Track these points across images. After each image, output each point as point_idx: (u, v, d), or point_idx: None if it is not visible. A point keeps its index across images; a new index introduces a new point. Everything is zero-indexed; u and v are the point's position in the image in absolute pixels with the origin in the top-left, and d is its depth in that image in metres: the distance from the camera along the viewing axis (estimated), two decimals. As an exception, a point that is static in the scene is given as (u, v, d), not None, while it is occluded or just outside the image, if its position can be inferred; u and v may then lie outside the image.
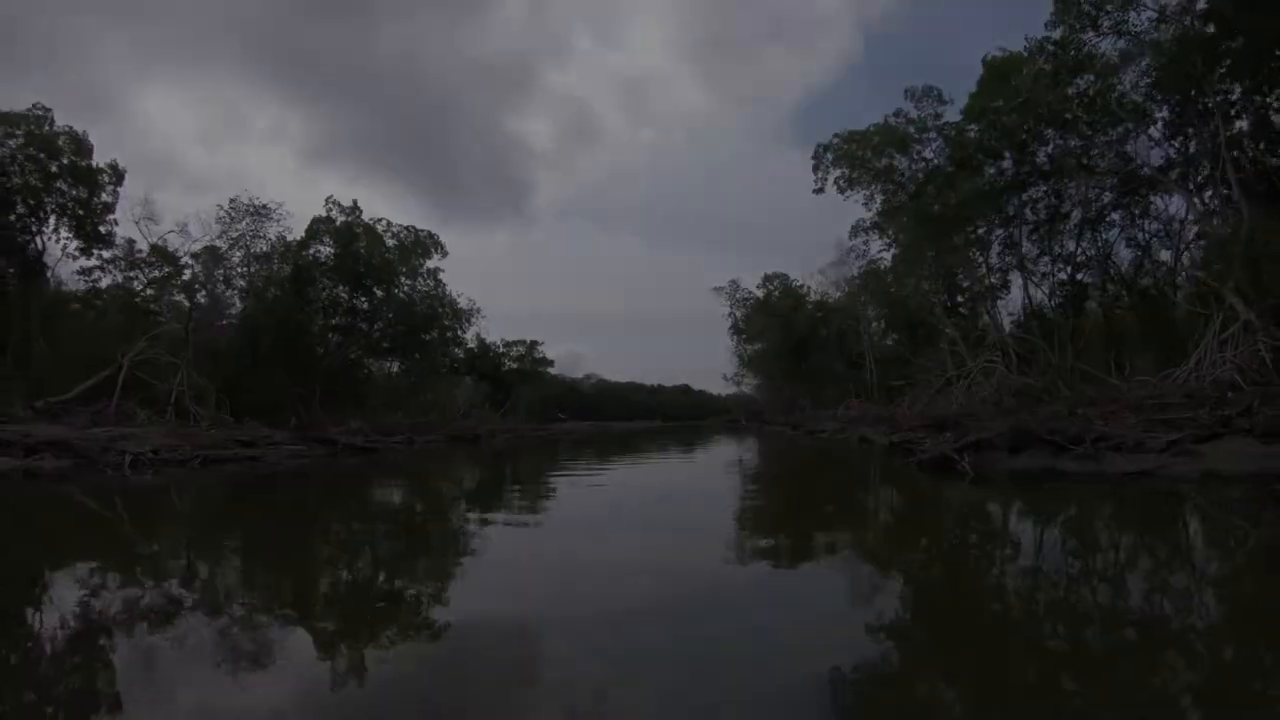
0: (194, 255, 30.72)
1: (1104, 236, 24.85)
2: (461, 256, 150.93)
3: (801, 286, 49.17)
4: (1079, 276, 25.92)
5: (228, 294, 32.85)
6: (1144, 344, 21.76)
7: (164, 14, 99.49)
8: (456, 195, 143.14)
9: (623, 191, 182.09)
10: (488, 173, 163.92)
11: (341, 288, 32.19)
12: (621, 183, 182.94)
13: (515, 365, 58.76)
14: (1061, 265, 26.77)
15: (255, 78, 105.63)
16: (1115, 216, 24.80)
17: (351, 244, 31.06)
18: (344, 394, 34.48)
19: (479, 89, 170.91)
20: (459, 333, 38.52)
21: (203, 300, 32.47)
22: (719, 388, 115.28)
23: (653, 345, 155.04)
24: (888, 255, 40.88)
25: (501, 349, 57.39)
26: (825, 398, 46.02)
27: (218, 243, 30.50)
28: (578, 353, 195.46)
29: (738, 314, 54.01)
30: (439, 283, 35.83)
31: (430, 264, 35.37)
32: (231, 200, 30.42)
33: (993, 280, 37.53)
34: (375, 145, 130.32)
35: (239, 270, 32.09)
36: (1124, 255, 25.40)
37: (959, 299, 38.66)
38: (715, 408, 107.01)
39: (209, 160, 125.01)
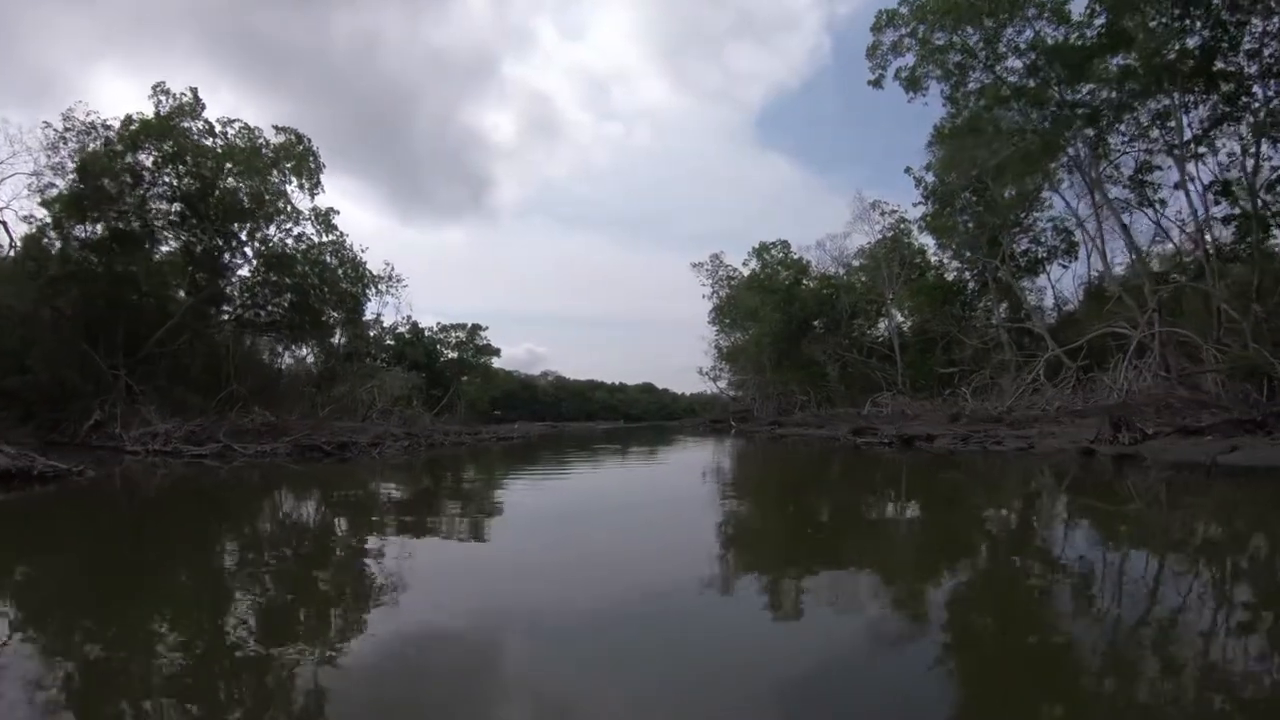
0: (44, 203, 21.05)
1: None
2: (421, 254, 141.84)
3: (800, 259, 40.66)
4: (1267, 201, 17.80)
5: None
6: None
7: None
8: (416, 191, 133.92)
9: (586, 188, 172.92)
10: (448, 168, 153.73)
11: (171, 218, 21.99)
12: (584, 179, 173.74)
13: (454, 354, 48.83)
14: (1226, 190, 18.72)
15: (207, 64, 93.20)
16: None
17: (184, 152, 20.90)
18: (197, 380, 24.37)
19: (439, 80, 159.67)
20: (363, 302, 28.44)
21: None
22: (682, 386, 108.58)
23: (615, 345, 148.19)
24: (915, 214, 33.08)
25: (437, 334, 47.36)
26: (832, 394, 37.59)
27: (45, 171, 20.59)
28: (538, 352, 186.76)
29: (722, 293, 45.02)
30: (331, 226, 25.81)
31: (318, 202, 25.37)
32: (65, 116, 20.45)
33: (1061, 235, 30.00)
34: (332, 137, 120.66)
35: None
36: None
37: (1001, 267, 30.90)
38: (679, 407, 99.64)
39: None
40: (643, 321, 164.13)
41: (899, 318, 34.22)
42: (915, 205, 32.17)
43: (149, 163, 21.15)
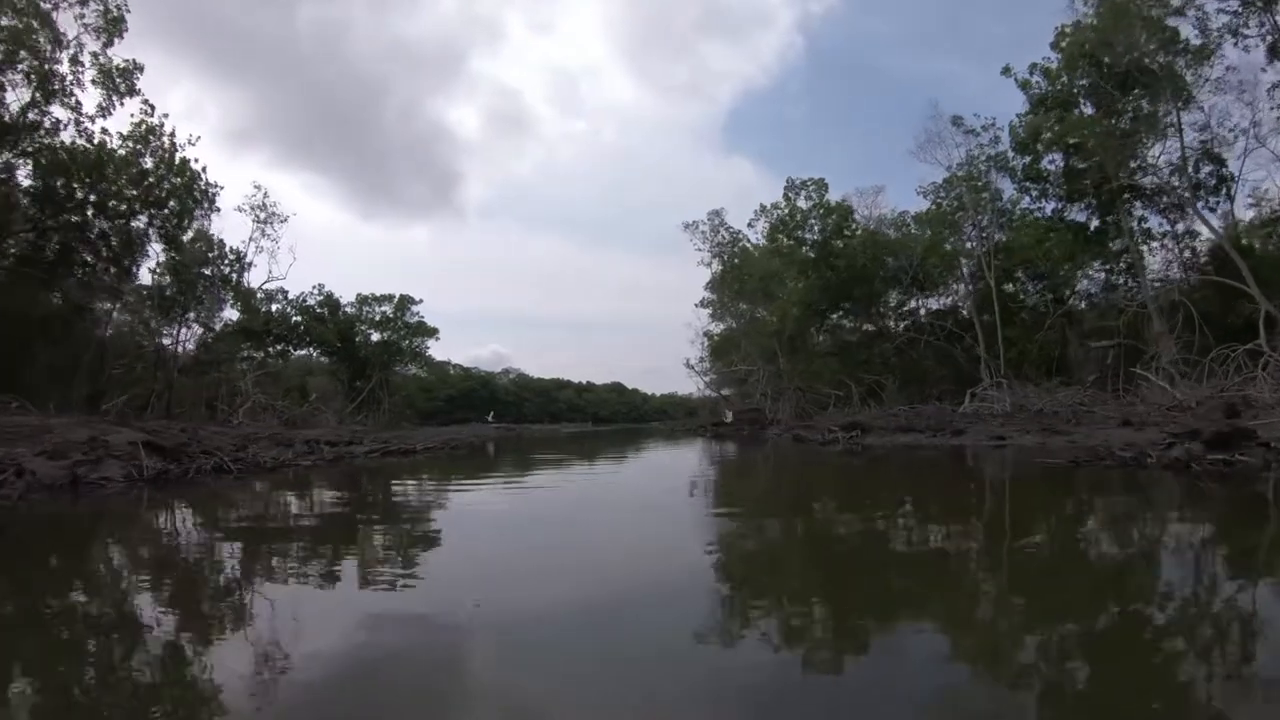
0: None
1: None
2: (385, 252, 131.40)
3: (843, 202, 30.60)
4: None
5: None
6: None
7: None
8: (380, 187, 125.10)
9: (552, 188, 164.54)
10: (412, 163, 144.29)
11: None
12: (551, 179, 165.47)
13: (381, 335, 38.00)
14: None
15: (170, 52, 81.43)
16: None
17: None
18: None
19: (405, 72, 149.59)
20: (187, 223, 17.76)
21: None
22: (652, 387, 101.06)
23: (582, 346, 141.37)
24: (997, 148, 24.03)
25: (355, 309, 36.36)
26: (877, 387, 28.45)
27: None
28: (503, 354, 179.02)
29: (724, 258, 35.00)
30: (132, 91, 15.21)
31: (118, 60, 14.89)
32: None
33: None
34: (297, 130, 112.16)
35: None
36: None
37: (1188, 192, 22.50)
38: (650, 408, 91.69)
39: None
40: (611, 323, 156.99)
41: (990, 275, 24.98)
42: (1018, 116, 23.45)
43: None
